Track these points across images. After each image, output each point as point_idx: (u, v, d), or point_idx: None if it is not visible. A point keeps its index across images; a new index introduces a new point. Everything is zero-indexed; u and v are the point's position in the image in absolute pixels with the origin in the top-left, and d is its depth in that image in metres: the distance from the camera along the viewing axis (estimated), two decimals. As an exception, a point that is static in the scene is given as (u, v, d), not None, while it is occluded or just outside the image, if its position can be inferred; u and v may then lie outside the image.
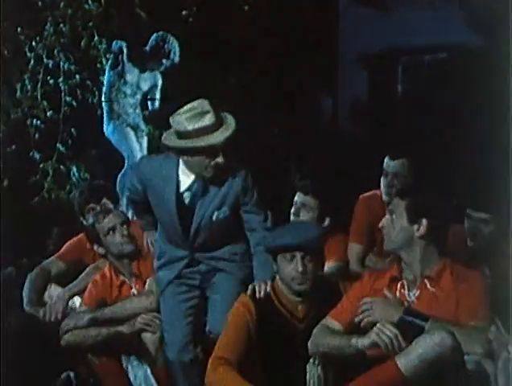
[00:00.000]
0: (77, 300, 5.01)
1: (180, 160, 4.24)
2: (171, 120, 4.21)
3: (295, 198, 5.00)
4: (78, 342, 4.77)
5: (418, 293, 3.69)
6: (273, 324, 4.02)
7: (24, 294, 5.05)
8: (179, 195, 4.23)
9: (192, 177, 4.21)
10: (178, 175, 4.23)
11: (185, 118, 4.08)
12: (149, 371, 4.73)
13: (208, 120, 4.05)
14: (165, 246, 4.42)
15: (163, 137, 4.25)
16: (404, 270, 3.76)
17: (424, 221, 3.67)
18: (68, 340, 4.80)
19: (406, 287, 3.74)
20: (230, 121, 4.15)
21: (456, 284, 3.68)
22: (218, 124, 4.08)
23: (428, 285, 3.69)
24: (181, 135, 4.12)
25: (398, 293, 3.73)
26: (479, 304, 3.62)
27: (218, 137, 4.07)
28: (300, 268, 3.93)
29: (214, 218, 4.26)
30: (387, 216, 3.82)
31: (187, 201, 4.26)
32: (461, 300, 3.63)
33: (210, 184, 4.25)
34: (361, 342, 3.48)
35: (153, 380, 4.69)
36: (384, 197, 4.96)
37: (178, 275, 4.40)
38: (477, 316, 3.58)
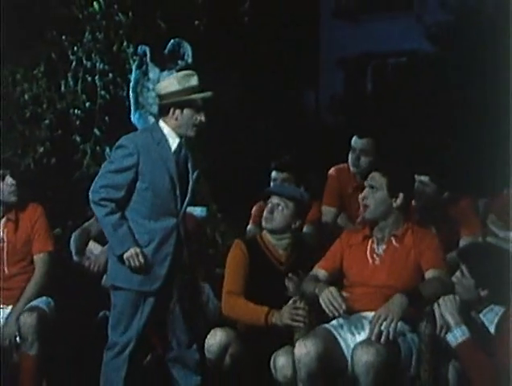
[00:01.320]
0: None
1: (164, 126, 4.03)
2: (156, 87, 4.25)
3: (274, 175, 5.02)
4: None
5: (385, 247, 3.79)
6: (261, 263, 4.09)
7: (71, 248, 5.07)
8: (173, 154, 4.01)
9: (177, 140, 4.01)
10: (166, 137, 4.01)
11: (177, 80, 4.03)
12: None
13: (194, 81, 4.00)
14: (150, 223, 3.97)
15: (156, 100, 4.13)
16: (375, 230, 3.84)
17: (401, 195, 3.79)
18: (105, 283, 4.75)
19: (375, 243, 3.82)
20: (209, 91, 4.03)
21: (416, 241, 3.78)
22: (199, 88, 3.99)
23: (394, 242, 3.79)
24: (165, 96, 4.03)
25: (369, 247, 3.83)
26: (438, 256, 3.76)
27: (205, 94, 3.99)
28: (268, 209, 4.08)
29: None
30: (367, 189, 3.86)
31: (180, 161, 4.05)
32: (423, 253, 3.74)
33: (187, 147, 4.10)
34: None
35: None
36: (351, 169, 5.02)
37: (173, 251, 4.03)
38: (437, 265, 3.71)
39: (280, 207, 4.08)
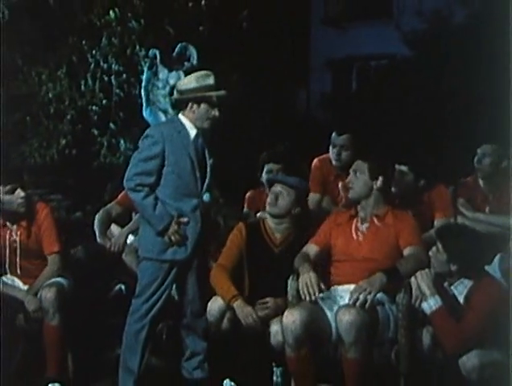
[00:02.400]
0: (131, 237, 4.98)
1: (183, 118, 4.05)
2: (177, 84, 4.18)
3: (270, 166, 4.90)
4: (132, 260, 4.76)
5: (368, 225, 3.80)
6: (257, 245, 4.10)
7: (95, 229, 5.06)
8: (193, 142, 4.01)
9: (195, 130, 4.01)
10: (186, 127, 4.01)
11: (195, 78, 4.02)
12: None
13: (211, 80, 3.98)
14: (176, 203, 3.98)
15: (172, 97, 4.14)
16: (359, 211, 3.85)
17: (381, 178, 3.80)
18: (124, 259, 4.86)
19: (359, 222, 3.83)
20: (223, 90, 4.00)
21: (395, 221, 3.78)
22: (216, 87, 3.99)
23: (376, 221, 3.80)
24: (185, 92, 4.03)
25: (354, 225, 3.83)
26: (414, 235, 3.77)
27: (216, 94, 3.96)
28: (273, 197, 4.08)
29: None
30: (352, 174, 3.88)
31: (199, 148, 4.05)
32: (401, 232, 3.75)
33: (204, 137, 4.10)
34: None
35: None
36: (333, 162, 4.92)
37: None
38: (414, 243, 3.72)
39: (283, 195, 4.07)
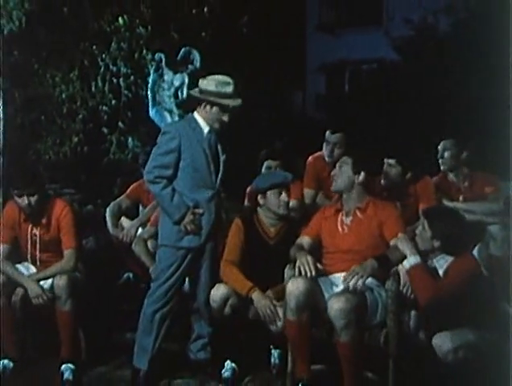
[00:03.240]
0: (140, 229, 4.99)
1: (197, 116, 4.06)
2: (200, 81, 4.05)
3: (268, 163, 4.84)
4: (141, 250, 4.78)
5: (351, 218, 3.77)
6: (253, 238, 4.07)
7: (107, 221, 5.09)
8: (206, 138, 4.02)
9: (208, 128, 4.02)
10: (199, 124, 4.02)
11: (214, 83, 3.98)
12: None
13: (229, 89, 3.97)
14: (192, 194, 4.00)
15: (189, 91, 4.07)
16: (344, 205, 3.82)
17: (363, 173, 3.77)
18: (134, 249, 4.85)
19: (344, 215, 3.80)
20: (239, 99, 3.99)
21: (377, 211, 3.75)
22: (234, 95, 3.98)
23: (358, 214, 3.76)
24: (204, 92, 4.00)
25: (339, 219, 3.81)
26: (398, 226, 3.73)
27: (232, 102, 3.97)
28: (287, 199, 4.04)
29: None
30: (337, 168, 3.86)
31: (212, 143, 4.05)
32: (385, 223, 3.72)
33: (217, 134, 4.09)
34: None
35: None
36: (326, 159, 4.91)
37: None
38: (398, 231, 3.68)
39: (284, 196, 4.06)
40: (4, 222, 4.32)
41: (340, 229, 3.80)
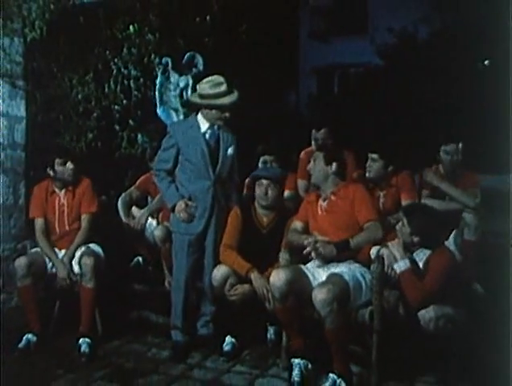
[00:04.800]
0: (149, 218, 5.03)
1: (199, 114, 4.06)
2: (197, 86, 4.07)
3: (264, 158, 4.83)
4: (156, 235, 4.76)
5: (327, 201, 3.76)
6: (249, 226, 4.06)
7: (120, 210, 5.08)
8: (203, 134, 4.03)
9: (207, 124, 4.04)
10: (198, 123, 4.04)
11: (208, 86, 3.97)
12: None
13: (223, 88, 3.96)
14: (191, 185, 4.04)
15: (189, 97, 4.05)
16: (321, 191, 3.82)
17: (334, 163, 3.78)
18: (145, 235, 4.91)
19: (322, 199, 3.80)
20: (235, 92, 4.00)
21: (348, 192, 3.74)
22: (229, 92, 3.97)
23: (332, 197, 3.76)
24: (203, 96, 3.99)
25: (319, 203, 3.81)
26: (369, 210, 3.70)
27: (228, 99, 3.96)
28: (263, 191, 4.01)
29: (228, 153, 4.11)
30: (312, 162, 3.87)
31: (208, 139, 4.06)
32: (357, 206, 3.70)
33: (220, 130, 4.09)
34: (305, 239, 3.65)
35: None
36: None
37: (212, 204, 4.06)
38: (370, 218, 3.66)
39: (271, 187, 4.04)
40: (35, 200, 4.48)
41: (319, 212, 3.81)
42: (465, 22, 11.99)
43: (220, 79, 4.00)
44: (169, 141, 4.07)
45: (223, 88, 3.97)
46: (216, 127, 4.07)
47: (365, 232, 3.63)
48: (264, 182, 4.03)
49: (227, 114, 4.00)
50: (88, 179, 4.53)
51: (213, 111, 4.00)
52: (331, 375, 3.28)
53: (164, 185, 4.07)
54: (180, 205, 3.98)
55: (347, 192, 3.76)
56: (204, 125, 4.05)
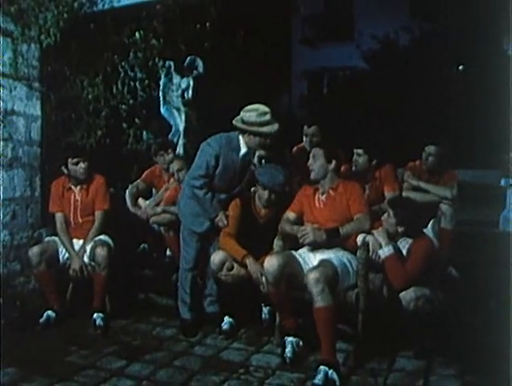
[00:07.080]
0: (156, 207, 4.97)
1: (241, 139, 3.95)
2: (242, 113, 3.89)
3: (260, 153, 4.58)
4: (158, 221, 4.84)
5: (326, 195, 3.74)
6: (247, 216, 4.03)
7: (127, 201, 5.11)
8: (241, 157, 3.97)
9: (245, 149, 3.96)
10: (240, 146, 3.96)
11: (255, 114, 3.84)
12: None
13: (267, 117, 3.84)
14: (218, 195, 4.04)
15: (233, 121, 3.88)
16: (320, 186, 3.78)
17: (334, 161, 3.75)
18: (153, 220, 4.91)
19: (320, 193, 3.77)
20: (276, 122, 3.88)
21: (345, 190, 3.71)
22: (272, 121, 3.85)
23: (331, 192, 3.73)
24: (247, 123, 3.87)
25: (317, 197, 3.78)
26: (360, 204, 3.68)
27: (272, 128, 3.85)
28: (266, 198, 3.94)
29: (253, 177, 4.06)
30: (311, 159, 3.79)
31: (244, 161, 4.00)
32: (351, 201, 3.69)
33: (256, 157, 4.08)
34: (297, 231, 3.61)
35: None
36: (307, 148, 4.85)
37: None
38: (360, 211, 3.65)
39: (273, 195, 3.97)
40: (54, 195, 4.48)
41: (317, 205, 3.78)
42: (442, 30, 12.06)
43: (266, 109, 3.88)
44: (212, 159, 3.94)
45: (267, 117, 3.86)
46: (250, 152, 4.01)
47: (354, 222, 3.62)
48: (266, 192, 3.96)
49: (268, 141, 3.91)
50: (102, 177, 4.50)
51: (257, 137, 3.89)
52: (322, 367, 3.17)
53: (207, 199, 4.00)
54: (221, 216, 3.99)
55: (344, 188, 3.74)
56: (243, 149, 3.97)
